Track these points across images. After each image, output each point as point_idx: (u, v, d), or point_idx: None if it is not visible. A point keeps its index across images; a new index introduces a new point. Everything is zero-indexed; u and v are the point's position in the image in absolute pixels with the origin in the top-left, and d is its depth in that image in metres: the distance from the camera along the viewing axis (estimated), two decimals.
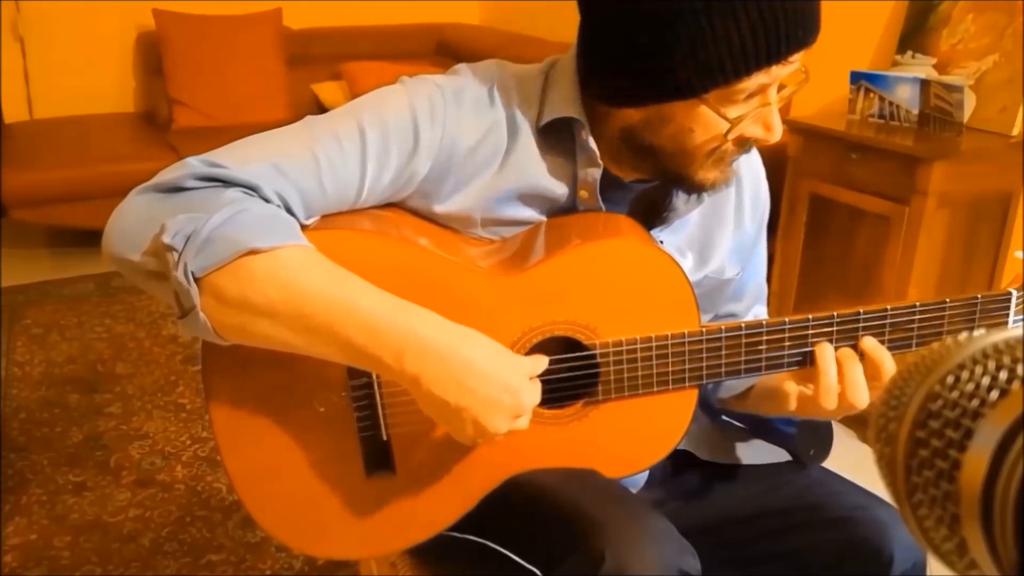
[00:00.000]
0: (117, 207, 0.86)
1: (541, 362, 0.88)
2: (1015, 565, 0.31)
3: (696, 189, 0.95)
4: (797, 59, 0.86)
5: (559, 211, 0.98)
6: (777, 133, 0.90)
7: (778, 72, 0.85)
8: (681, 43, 0.82)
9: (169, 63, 3.82)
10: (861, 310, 0.94)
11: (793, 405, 0.98)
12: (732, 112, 0.87)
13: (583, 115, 0.93)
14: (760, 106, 0.88)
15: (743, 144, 0.92)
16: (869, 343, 0.94)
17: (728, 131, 0.87)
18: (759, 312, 1.16)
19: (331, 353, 0.83)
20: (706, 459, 1.11)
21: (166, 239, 0.79)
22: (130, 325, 2.97)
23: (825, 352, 0.94)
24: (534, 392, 0.85)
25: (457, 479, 0.95)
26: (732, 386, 1.09)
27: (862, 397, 0.93)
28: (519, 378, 0.83)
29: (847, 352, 0.94)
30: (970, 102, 2.23)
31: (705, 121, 0.87)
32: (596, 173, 0.95)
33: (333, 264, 0.84)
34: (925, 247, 2.12)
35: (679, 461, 1.12)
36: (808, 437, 1.10)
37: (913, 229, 2.11)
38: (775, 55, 0.83)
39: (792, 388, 0.99)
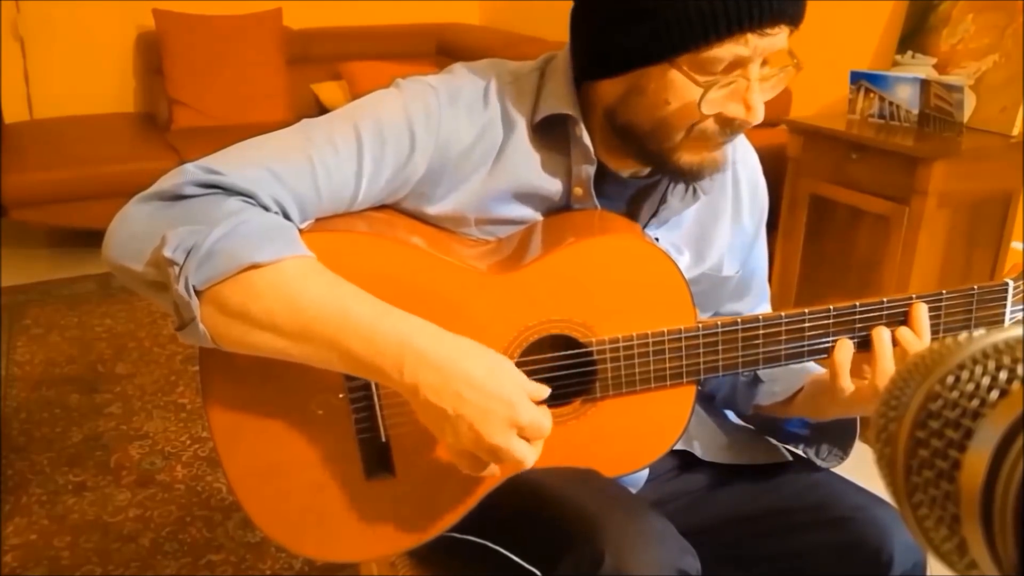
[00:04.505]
0: (117, 215, 0.86)
1: (543, 389, 0.85)
2: (1015, 565, 0.31)
3: (682, 174, 0.93)
4: (778, 33, 0.84)
5: (554, 209, 0.98)
6: (757, 113, 0.87)
7: (756, 43, 0.84)
8: (650, 5, 0.82)
9: (169, 63, 3.82)
10: (858, 303, 0.94)
11: (847, 395, 0.94)
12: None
13: (577, 111, 0.93)
14: (738, 78, 0.86)
15: (725, 125, 0.89)
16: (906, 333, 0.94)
17: (701, 99, 0.85)
18: (764, 310, 1.16)
19: (331, 362, 0.83)
20: (706, 459, 1.11)
21: (167, 253, 0.79)
22: (130, 325, 2.97)
23: (882, 335, 0.93)
24: (533, 408, 0.82)
25: (457, 480, 0.95)
26: (773, 393, 1.07)
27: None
28: (516, 391, 0.82)
29: (906, 332, 0.93)
30: (970, 102, 2.23)
31: (678, 89, 0.86)
32: (590, 169, 0.95)
33: (332, 275, 0.84)
34: (925, 247, 2.12)
35: (679, 461, 1.11)
36: (824, 438, 1.09)
37: (913, 229, 2.11)
38: (746, 20, 0.82)
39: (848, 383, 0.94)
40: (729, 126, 0.90)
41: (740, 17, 0.82)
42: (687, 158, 0.91)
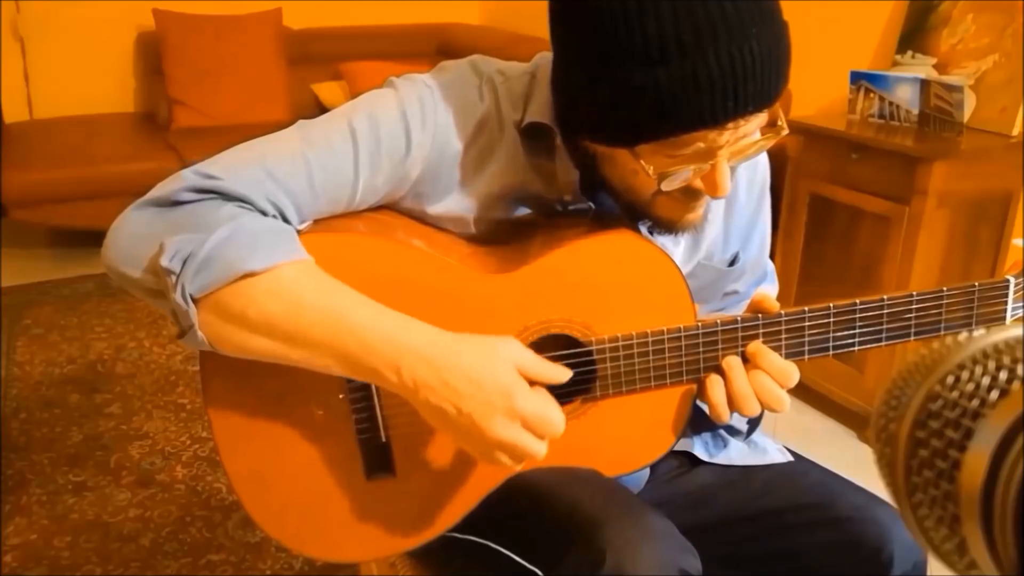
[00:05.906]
0: (115, 221, 0.86)
1: (548, 368, 0.86)
2: (1015, 565, 0.31)
3: (659, 225, 0.93)
4: (747, 122, 0.81)
5: (550, 210, 0.98)
6: (722, 191, 0.85)
7: (716, 138, 0.81)
8: (607, 98, 0.80)
9: (169, 63, 3.82)
10: (858, 301, 0.94)
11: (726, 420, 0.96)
12: (669, 165, 0.83)
13: (556, 124, 0.93)
14: (704, 162, 0.83)
15: (693, 196, 0.88)
16: (754, 347, 0.93)
17: (659, 183, 0.84)
18: (767, 291, 1.15)
19: (329, 367, 0.83)
20: (707, 459, 1.11)
21: (164, 262, 0.80)
22: (130, 325, 2.97)
23: (730, 361, 0.92)
24: (531, 395, 0.83)
25: (457, 480, 0.95)
26: None
27: (750, 405, 0.91)
28: (510, 378, 0.82)
29: (733, 362, 0.93)
30: (970, 102, 2.23)
31: (641, 168, 0.85)
32: (574, 175, 0.94)
33: (329, 278, 0.84)
34: (925, 247, 2.12)
35: (680, 461, 1.12)
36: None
37: (913, 229, 2.11)
38: (699, 124, 0.79)
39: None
40: (697, 197, 0.89)
41: (693, 122, 0.79)
42: (663, 213, 0.91)
